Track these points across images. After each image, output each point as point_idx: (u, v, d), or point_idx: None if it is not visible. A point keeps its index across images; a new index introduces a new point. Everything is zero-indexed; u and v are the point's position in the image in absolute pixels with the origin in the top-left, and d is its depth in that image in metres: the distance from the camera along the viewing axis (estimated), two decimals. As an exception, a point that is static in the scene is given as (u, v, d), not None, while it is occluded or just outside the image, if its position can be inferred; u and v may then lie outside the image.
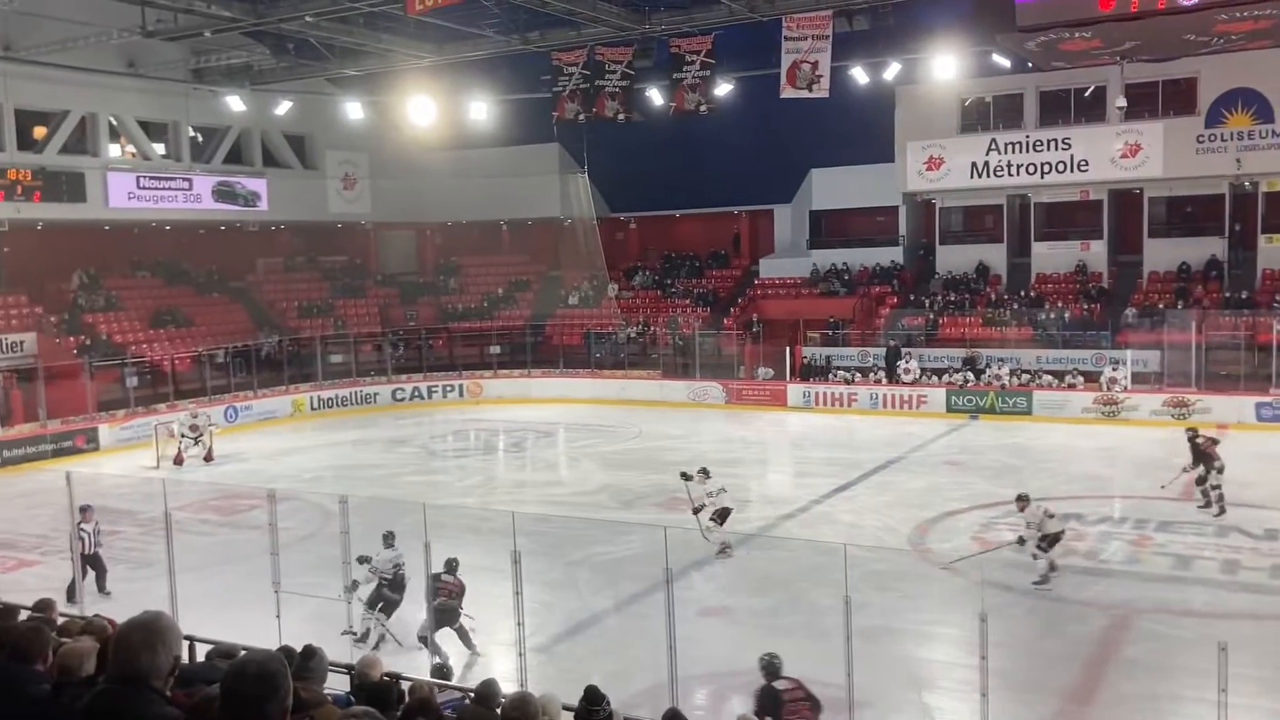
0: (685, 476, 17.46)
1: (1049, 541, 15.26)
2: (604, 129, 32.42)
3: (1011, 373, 30.96)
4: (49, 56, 28.82)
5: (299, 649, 7.02)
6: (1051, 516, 15.47)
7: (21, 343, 30.78)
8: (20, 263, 32.60)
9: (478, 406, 35.23)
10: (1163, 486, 19.54)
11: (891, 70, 30.34)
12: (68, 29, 27.57)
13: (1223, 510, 18.69)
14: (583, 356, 37.39)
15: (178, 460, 25.50)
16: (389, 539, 13.73)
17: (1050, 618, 13.96)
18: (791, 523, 18.22)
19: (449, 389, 36.22)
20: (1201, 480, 19.15)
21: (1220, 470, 18.87)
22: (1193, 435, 19.68)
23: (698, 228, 43.87)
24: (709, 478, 17.43)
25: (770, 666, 9.61)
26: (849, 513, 19.87)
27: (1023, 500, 15.95)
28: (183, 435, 25.97)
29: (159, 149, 35.48)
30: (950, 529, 18.54)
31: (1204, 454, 19.13)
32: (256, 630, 11.22)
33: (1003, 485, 21.39)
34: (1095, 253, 35.09)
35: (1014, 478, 21.85)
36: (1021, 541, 15.44)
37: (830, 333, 35.33)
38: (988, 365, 31.59)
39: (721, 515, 17.02)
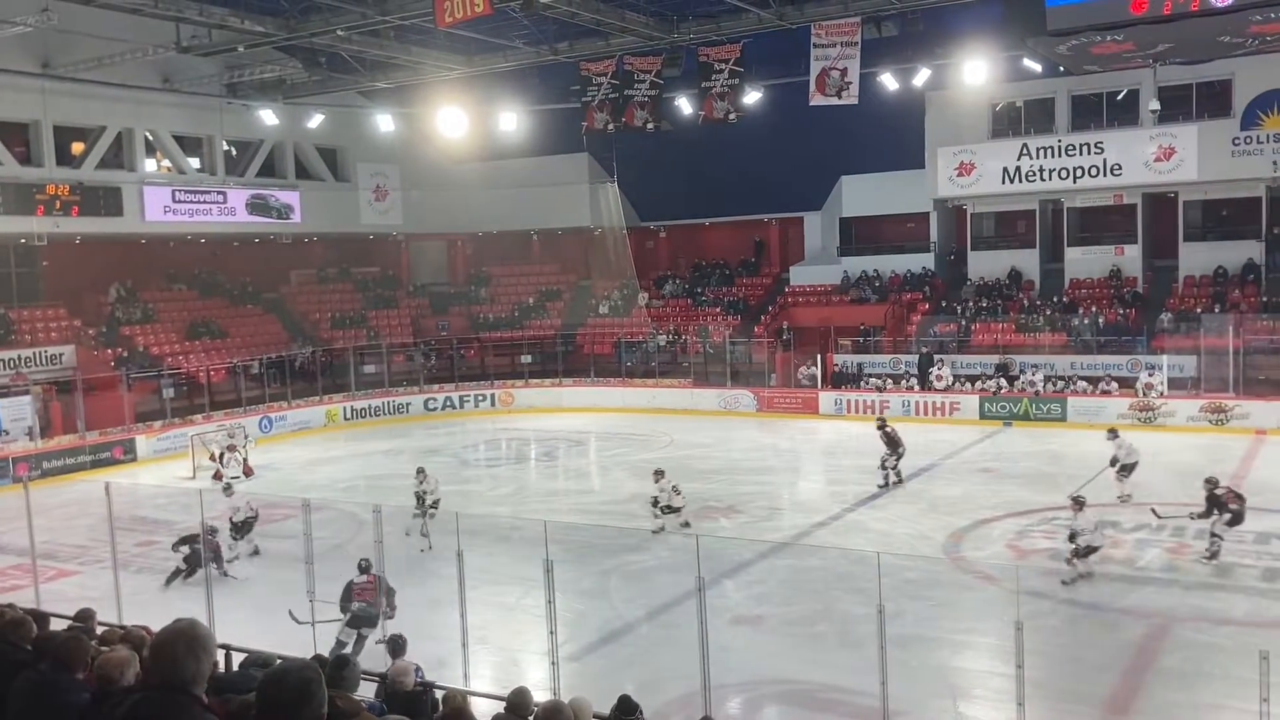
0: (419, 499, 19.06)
1: (672, 511, 18.80)
2: (633, 138, 32.48)
3: (1045, 379, 30.72)
4: (86, 73, 29.29)
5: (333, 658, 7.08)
6: (678, 494, 18.84)
7: (61, 355, 31.22)
8: (59, 276, 33.09)
9: (509, 415, 35.36)
10: (880, 485, 21.76)
11: (921, 76, 30.13)
12: (104, 46, 27.93)
13: (898, 482, 21.77)
14: (613, 365, 37.46)
15: (216, 476, 25.64)
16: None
17: (1087, 626, 13.80)
18: (824, 531, 18.14)
19: (481, 398, 36.37)
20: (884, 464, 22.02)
21: (901, 456, 21.85)
22: (881, 425, 22.60)
23: (727, 236, 43.78)
24: (427, 476, 19.40)
25: (360, 566, 12.69)
26: (881, 521, 19.74)
27: (658, 474, 19.11)
28: (221, 454, 26.11)
29: (194, 163, 35.92)
30: (984, 537, 18.39)
31: (894, 440, 21.89)
32: (291, 639, 11.31)
33: (1037, 492, 21.24)
34: (1129, 257, 34.70)
35: (1048, 485, 21.65)
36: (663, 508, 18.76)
37: (862, 340, 35.16)
38: (1021, 372, 31.35)
39: (433, 505, 18.92)
